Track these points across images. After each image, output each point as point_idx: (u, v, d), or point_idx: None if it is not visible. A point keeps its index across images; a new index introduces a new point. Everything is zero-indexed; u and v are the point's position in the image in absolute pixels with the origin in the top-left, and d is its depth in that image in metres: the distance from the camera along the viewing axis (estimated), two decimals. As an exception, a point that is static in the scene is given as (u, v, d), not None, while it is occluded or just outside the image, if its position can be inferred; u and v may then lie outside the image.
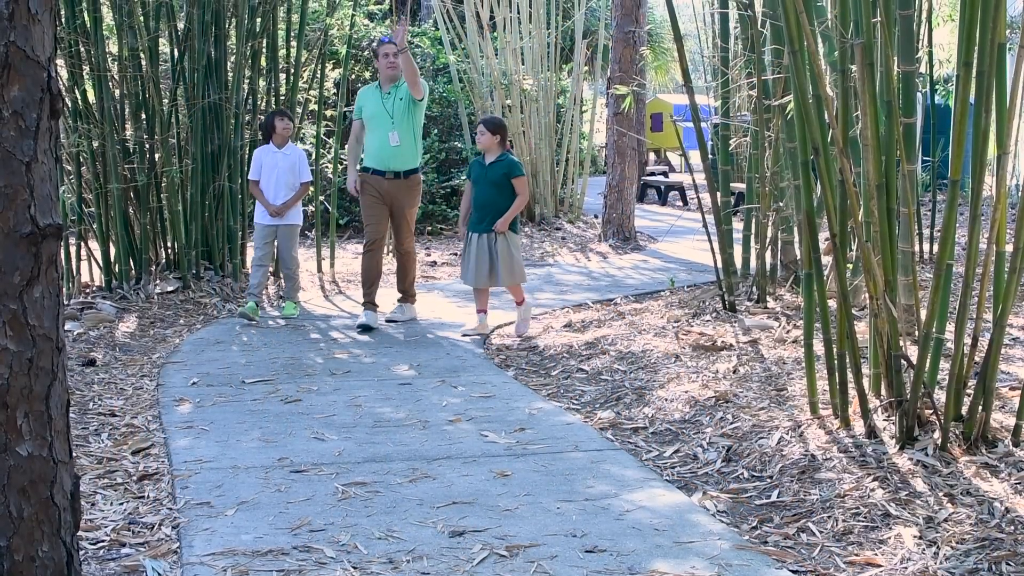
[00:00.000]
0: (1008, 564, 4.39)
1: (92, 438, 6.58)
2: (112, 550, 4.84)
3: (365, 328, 10.06)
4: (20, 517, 3.20)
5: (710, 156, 10.02)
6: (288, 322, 10.66)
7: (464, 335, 9.89)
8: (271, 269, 12.04)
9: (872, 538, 4.72)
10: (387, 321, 10.44)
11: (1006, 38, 5.61)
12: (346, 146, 11.52)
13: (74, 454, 3.80)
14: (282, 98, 13.02)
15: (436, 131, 18.20)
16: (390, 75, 10.27)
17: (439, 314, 10.87)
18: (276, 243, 10.90)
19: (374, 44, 10.42)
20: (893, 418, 5.80)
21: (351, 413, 7.12)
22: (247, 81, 12.61)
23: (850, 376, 5.95)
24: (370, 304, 10.29)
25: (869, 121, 5.77)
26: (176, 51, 12.06)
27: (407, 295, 10.65)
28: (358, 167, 10.60)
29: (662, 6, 10.46)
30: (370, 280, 10.30)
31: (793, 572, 4.51)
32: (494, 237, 9.68)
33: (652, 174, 25.39)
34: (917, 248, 9.52)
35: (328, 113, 14.88)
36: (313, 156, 13.59)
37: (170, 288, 11.62)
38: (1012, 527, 4.68)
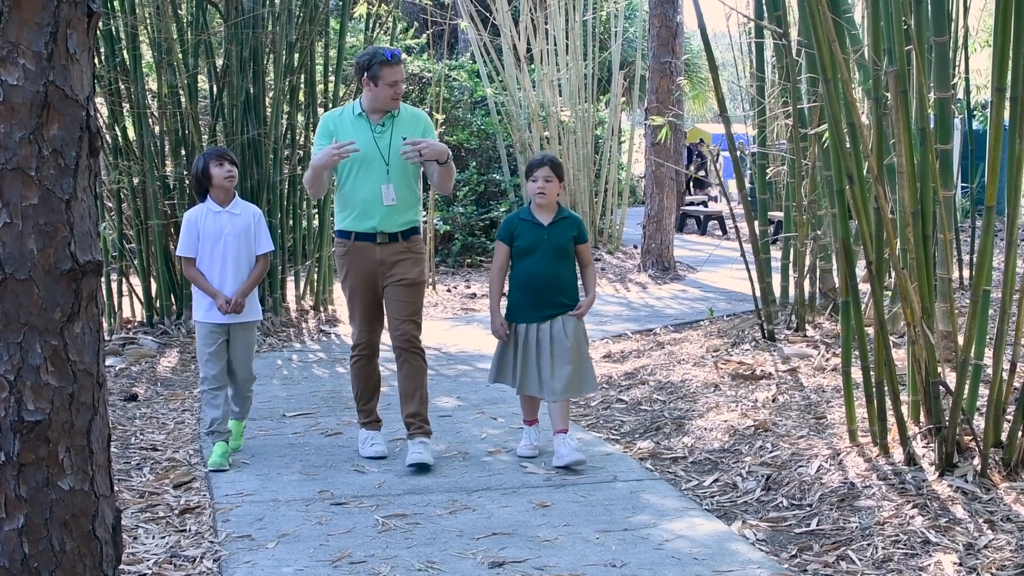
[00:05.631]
0: (1049, 591, 4.37)
1: (134, 472, 6.62)
2: (154, 583, 4.88)
3: (379, 458, 6.93)
4: (62, 551, 3.24)
5: (747, 185, 9.98)
6: (328, 355, 10.69)
7: (520, 458, 6.80)
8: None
9: (912, 565, 4.70)
10: (415, 467, 6.61)
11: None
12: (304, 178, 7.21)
13: (116, 488, 3.84)
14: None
15: (475, 163, 18.29)
16: (392, 105, 6.84)
17: (479, 347, 10.80)
18: (228, 350, 7.05)
19: (369, 56, 6.83)
20: (932, 445, 5.77)
21: (391, 445, 7.14)
22: (286, 116, 12.69)
23: (889, 403, 5.94)
24: (374, 424, 7.14)
25: (903, 148, 5.76)
26: (215, 87, 12.16)
27: (421, 424, 6.87)
28: (334, 229, 7.22)
29: (699, 36, 10.39)
30: (368, 394, 7.11)
31: (833, 600, 4.50)
32: (561, 326, 6.63)
33: (691, 203, 25.35)
34: (956, 274, 9.46)
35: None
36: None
37: (211, 323, 11.68)
38: (1053, 554, 4.66)
